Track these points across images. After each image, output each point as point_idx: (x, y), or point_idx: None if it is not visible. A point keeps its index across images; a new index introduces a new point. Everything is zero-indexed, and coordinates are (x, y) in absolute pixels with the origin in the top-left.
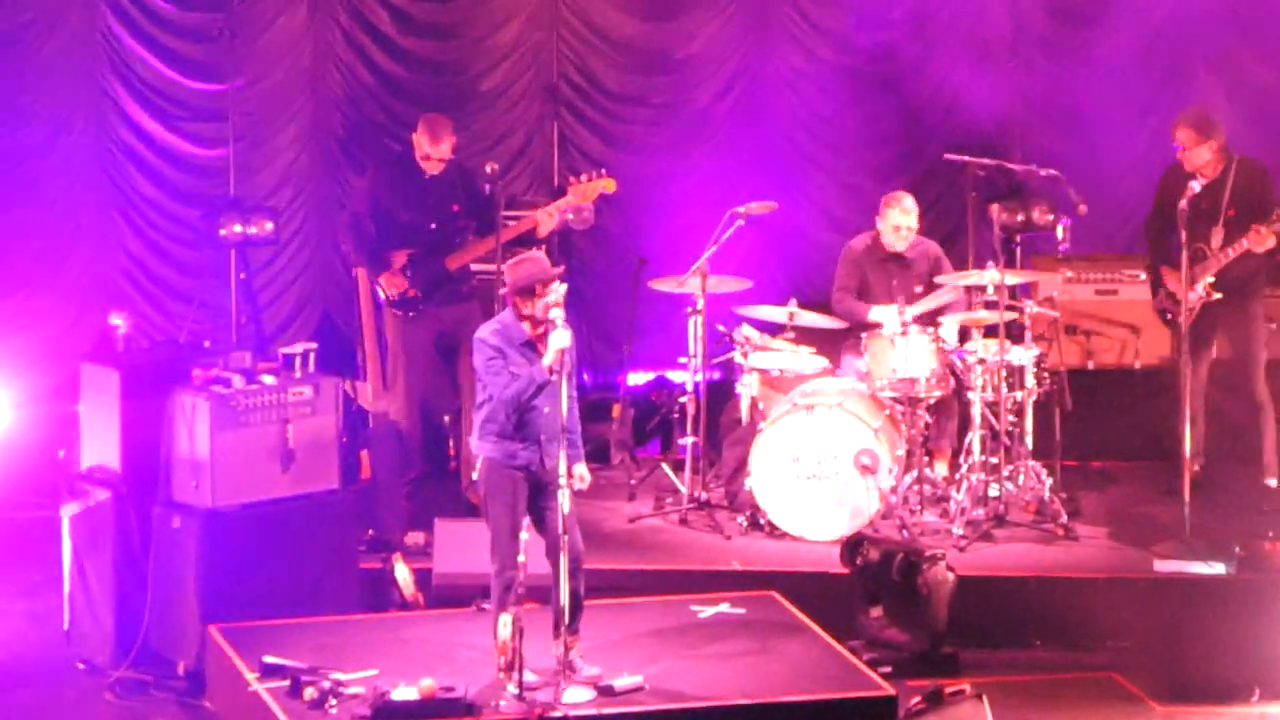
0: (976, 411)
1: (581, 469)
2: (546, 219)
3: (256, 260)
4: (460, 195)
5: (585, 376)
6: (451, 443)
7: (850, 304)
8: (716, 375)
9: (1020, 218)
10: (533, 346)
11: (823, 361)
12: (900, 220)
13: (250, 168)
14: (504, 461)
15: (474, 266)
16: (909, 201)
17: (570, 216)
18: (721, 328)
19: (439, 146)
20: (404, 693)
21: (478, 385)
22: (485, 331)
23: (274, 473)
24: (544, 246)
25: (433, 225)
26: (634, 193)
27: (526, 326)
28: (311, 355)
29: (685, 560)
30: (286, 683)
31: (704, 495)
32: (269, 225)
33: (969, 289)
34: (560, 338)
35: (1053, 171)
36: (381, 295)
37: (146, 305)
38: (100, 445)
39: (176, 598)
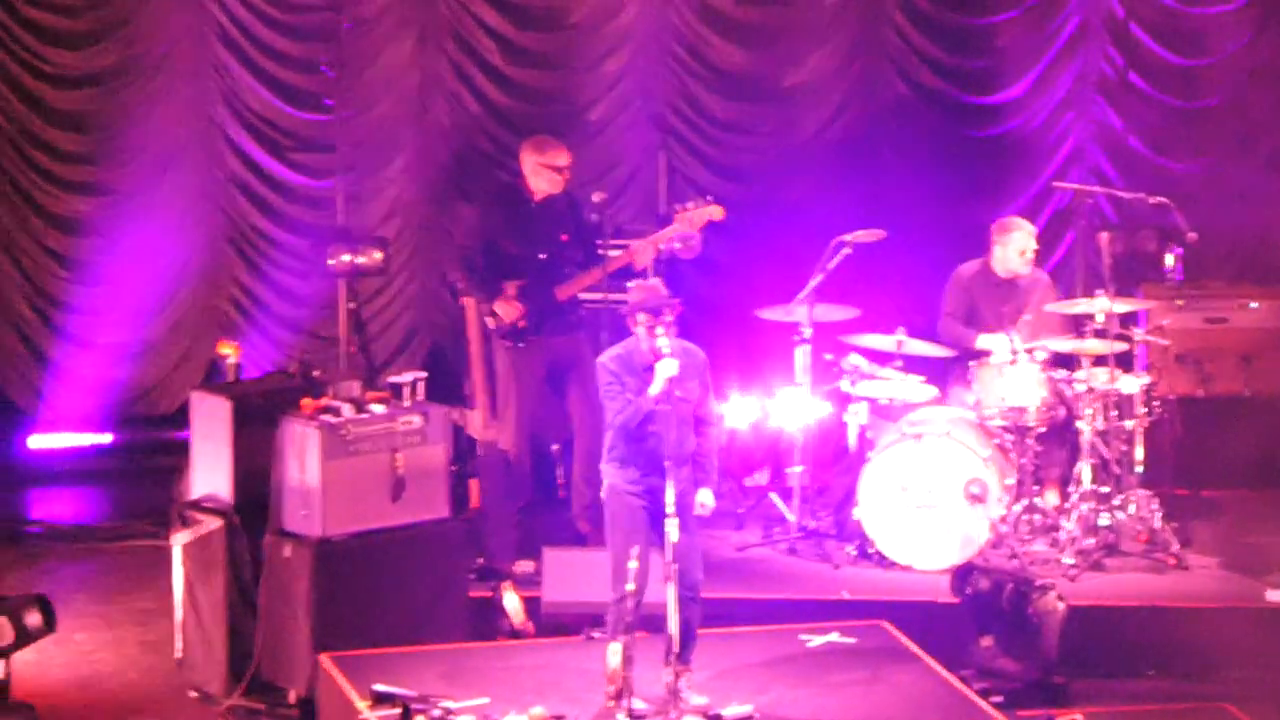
0: (1086, 440)
1: (706, 495)
2: (644, 250)
3: (365, 290)
4: (569, 225)
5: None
6: (560, 471)
7: (958, 331)
8: (824, 404)
9: (1130, 247)
10: (651, 371)
11: (931, 390)
12: (1026, 244)
13: (359, 198)
14: (625, 487)
15: (582, 296)
16: (1030, 226)
17: (678, 245)
18: (829, 356)
19: (559, 156)
20: None
21: (605, 409)
22: (606, 357)
23: (384, 501)
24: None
25: (542, 255)
26: (741, 220)
27: (649, 352)
28: (420, 384)
29: (794, 589)
30: (397, 711)
31: (812, 524)
32: (378, 255)
33: (1078, 318)
34: (667, 367)
35: (1162, 199)
36: (490, 325)
37: (256, 335)
38: (211, 474)
39: (288, 626)
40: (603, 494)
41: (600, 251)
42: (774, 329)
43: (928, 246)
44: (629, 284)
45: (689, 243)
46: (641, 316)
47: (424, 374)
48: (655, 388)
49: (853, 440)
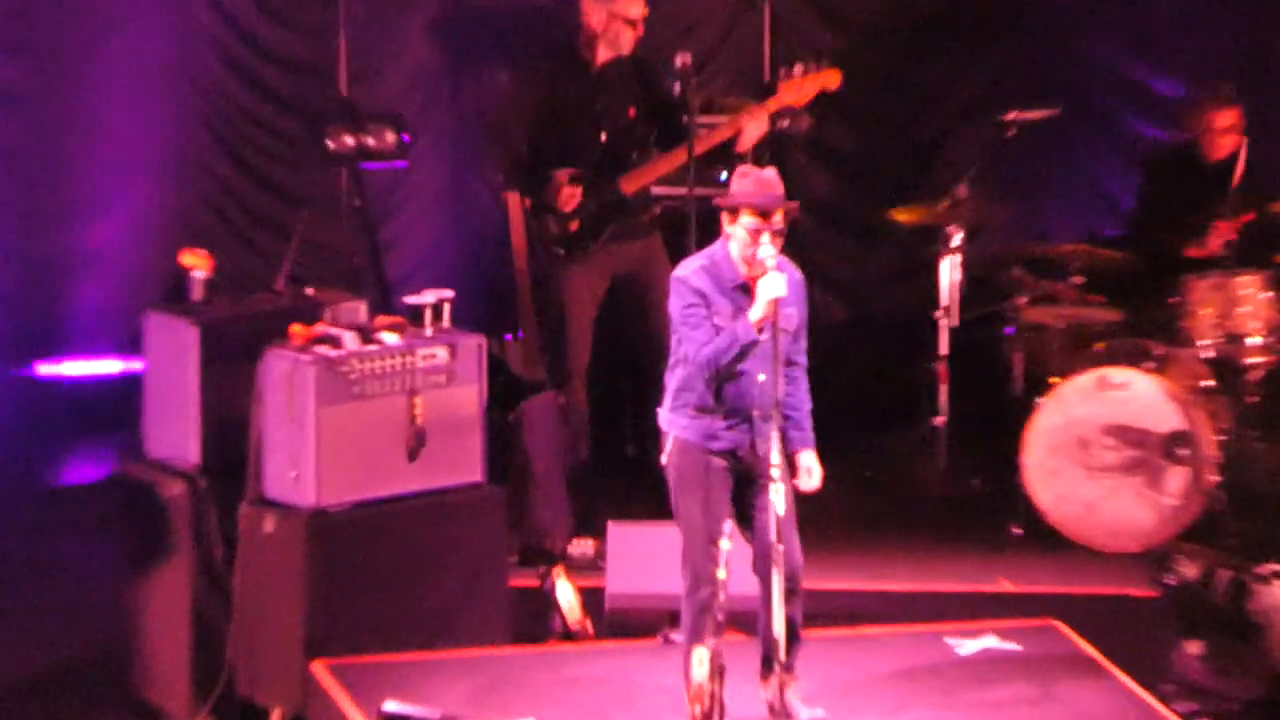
0: None
1: (810, 459)
2: (753, 125)
3: (376, 184)
4: (639, 97)
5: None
6: (631, 420)
7: (1158, 234)
8: (979, 334)
9: None
10: (746, 291)
11: (1119, 313)
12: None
13: (369, 64)
14: (701, 444)
15: (657, 190)
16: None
17: (784, 123)
18: (985, 270)
19: (632, 3)
20: None
21: (672, 339)
22: (688, 269)
23: (398, 461)
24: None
25: (603, 137)
26: (865, 90)
27: (743, 265)
28: (447, 306)
29: (939, 578)
30: None
31: (960, 491)
32: (392, 137)
33: None
34: (772, 284)
35: None
36: (539, 228)
37: (234, 241)
38: (171, 422)
39: (271, 624)
40: (665, 455)
41: (684, 130)
42: (911, 235)
43: (1114, 127)
44: (735, 170)
45: (797, 119)
46: (746, 217)
47: (451, 293)
48: (757, 311)
49: (1017, 382)
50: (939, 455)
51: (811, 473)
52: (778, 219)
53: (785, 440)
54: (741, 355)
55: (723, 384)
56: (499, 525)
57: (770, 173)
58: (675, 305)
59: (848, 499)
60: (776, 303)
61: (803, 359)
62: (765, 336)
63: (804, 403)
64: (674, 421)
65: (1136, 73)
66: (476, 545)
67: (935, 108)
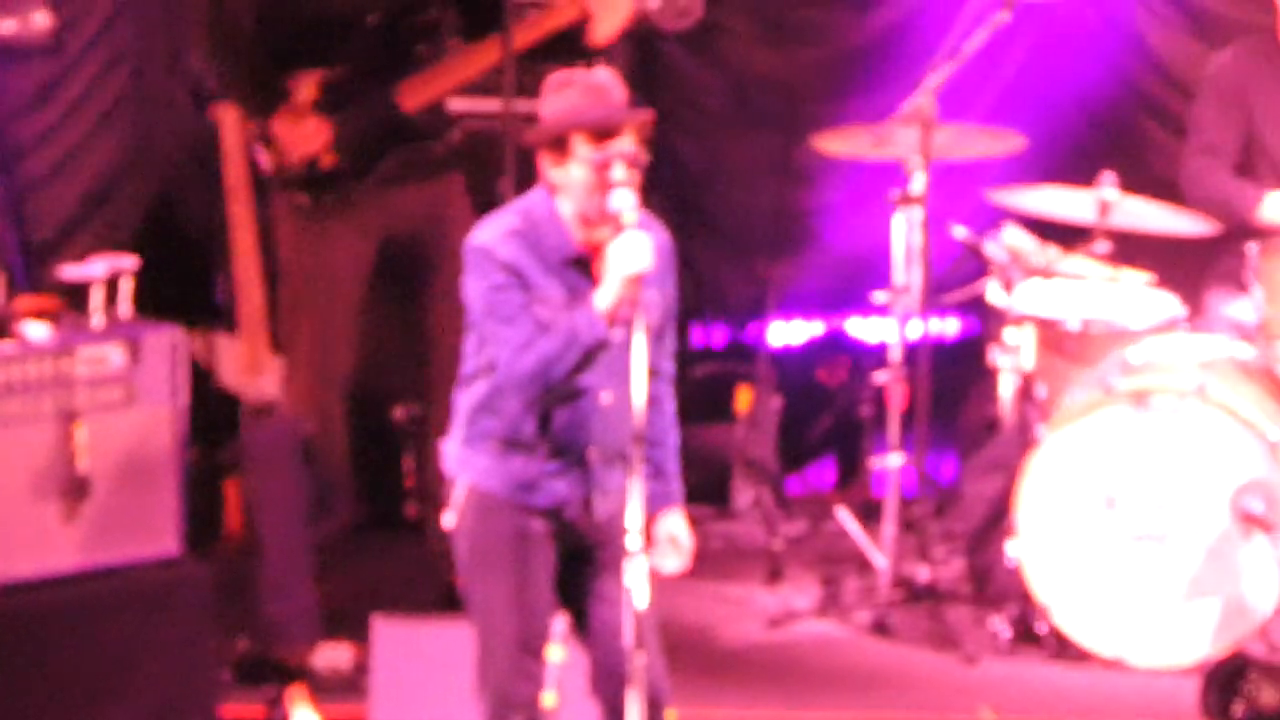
0: None
1: (676, 523)
2: (609, 8)
3: (13, 91)
4: None
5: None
6: (411, 458)
7: (1221, 181)
8: (951, 328)
9: None
10: (585, 267)
11: (1168, 300)
12: None
13: None
14: (510, 496)
15: (456, 105)
16: None
17: (654, 3)
18: (962, 231)
19: None
20: None
21: (467, 339)
22: (492, 234)
23: (48, 523)
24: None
25: (371, 18)
26: None
27: (578, 226)
28: (128, 282)
29: (887, 707)
30: None
31: (924, 573)
32: (41, 18)
33: None
34: (631, 250)
35: None
36: (266, 163)
37: None
38: None
39: None
40: (453, 507)
41: (499, 5)
42: (852, 179)
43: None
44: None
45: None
46: (581, 148)
47: (132, 261)
48: (609, 293)
49: (1006, 400)
50: (884, 522)
51: (678, 544)
52: (628, 143)
53: (642, 496)
54: (584, 362)
55: (548, 407)
56: (204, 622)
57: (604, 74)
58: (475, 287)
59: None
60: (639, 280)
61: (667, 365)
62: (618, 334)
63: (667, 436)
64: (468, 462)
65: None
66: (170, 653)
67: None
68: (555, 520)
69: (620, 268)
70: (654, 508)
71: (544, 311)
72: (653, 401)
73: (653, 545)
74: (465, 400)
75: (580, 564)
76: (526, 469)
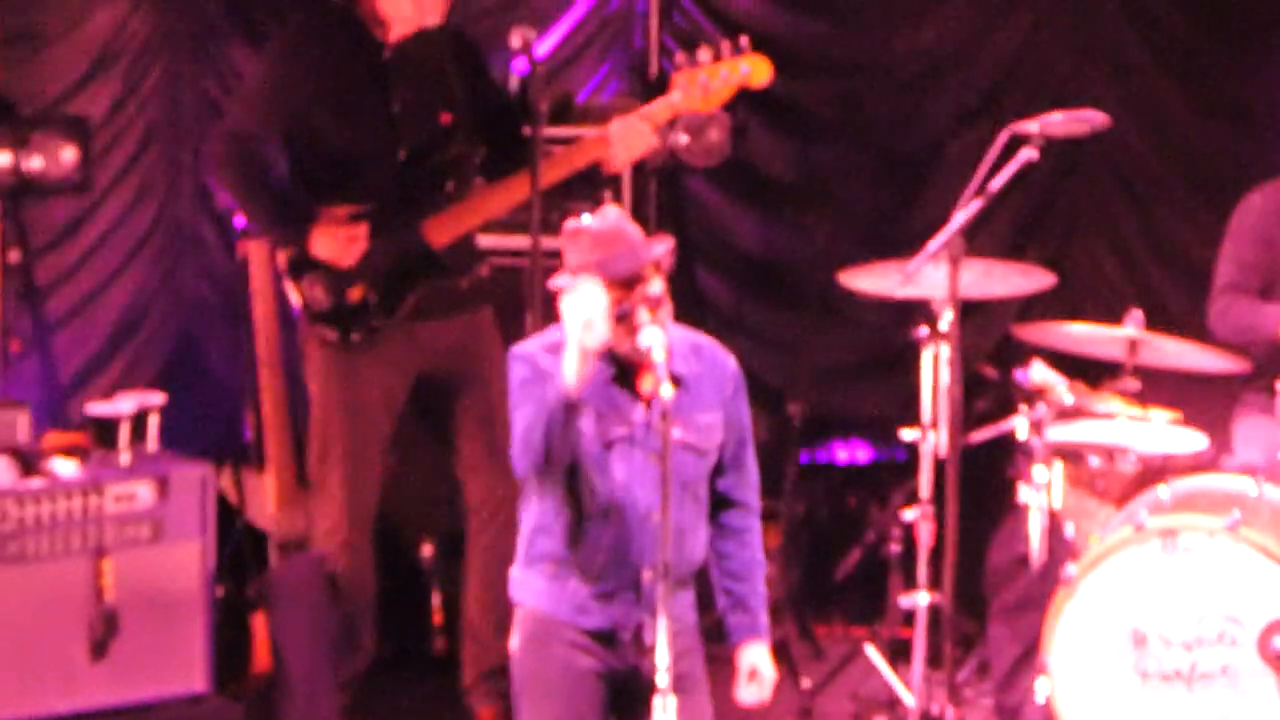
0: None
1: (758, 655)
2: (629, 140)
3: (43, 225)
4: (458, 94)
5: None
6: (436, 595)
7: (1251, 312)
8: (978, 463)
9: None
10: (628, 382)
11: (1196, 438)
12: None
13: (32, 46)
14: (562, 619)
15: (485, 241)
16: None
17: (682, 139)
18: (990, 370)
19: None
20: None
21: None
22: (531, 343)
23: (76, 660)
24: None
25: (402, 155)
26: (807, 97)
27: (607, 354)
28: (155, 419)
29: None
30: None
31: (950, 714)
32: (69, 155)
33: None
34: (576, 314)
35: None
36: (296, 299)
37: None
38: None
39: None
40: (513, 638)
41: (526, 143)
42: (877, 314)
43: (1186, 153)
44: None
45: (702, 134)
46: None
47: (160, 398)
48: (570, 361)
49: (1035, 541)
50: (913, 660)
51: (759, 677)
52: (649, 285)
53: (722, 625)
54: (560, 433)
55: (588, 523)
56: None
57: (611, 215)
58: (510, 389)
59: None
60: (665, 414)
61: (750, 497)
62: (652, 462)
63: (752, 568)
64: (525, 585)
65: None
66: None
67: (922, 112)
68: (608, 646)
69: (573, 324)
70: (736, 639)
71: (585, 425)
72: (735, 533)
73: (741, 677)
74: (525, 522)
75: (637, 694)
76: (579, 591)
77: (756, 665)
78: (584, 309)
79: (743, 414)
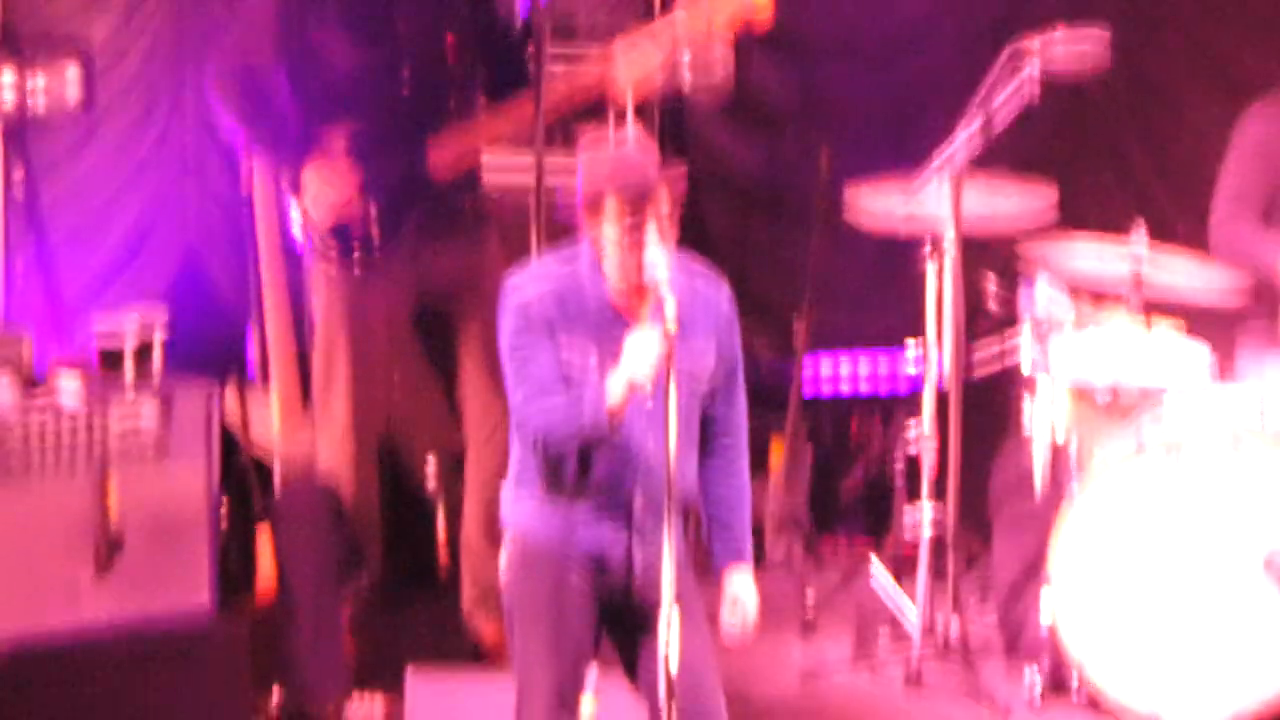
0: None
1: (743, 582)
2: (630, 64)
3: (45, 149)
4: (457, 17)
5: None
6: (440, 516)
7: (1250, 237)
8: (981, 382)
9: None
10: (621, 322)
11: (1200, 351)
12: None
13: None
14: (550, 542)
15: (488, 163)
16: None
17: (686, 80)
18: (994, 285)
19: None
20: None
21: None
22: (525, 280)
23: (80, 577)
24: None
25: (404, 81)
26: (813, 24)
27: (619, 277)
28: (159, 340)
29: None
30: None
31: (955, 628)
32: (72, 73)
33: None
34: (642, 347)
35: None
36: (299, 220)
37: None
38: None
39: None
40: (503, 556)
41: (527, 69)
42: (880, 235)
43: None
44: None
45: (706, 62)
46: (613, 206)
47: (163, 317)
48: (617, 389)
49: (1039, 458)
50: (923, 568)
51: (740, 605)
52: (660, 204)
53: (708, 548)
54: (597, 436)
55: (588, 450)
56: (237, 677)
57: (635, 134)
58: (503, 328)
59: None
60: (667, 339)
61: (737, 420)
62: (646, 399)
63: (739, 495)
64: (516, 509)
65: None
66: (203, 708)
67: (924, 37)
68: (597, 568)
69: (632, 362)
70: (719, 563)
71: (573, 359)
72: (724, 462)
73: (726, 602)
74: (515, 444)
75: (629, 615)
76: (569, 514)
77: (739, 593)
78: (646, 350)
79: (734, 343)
